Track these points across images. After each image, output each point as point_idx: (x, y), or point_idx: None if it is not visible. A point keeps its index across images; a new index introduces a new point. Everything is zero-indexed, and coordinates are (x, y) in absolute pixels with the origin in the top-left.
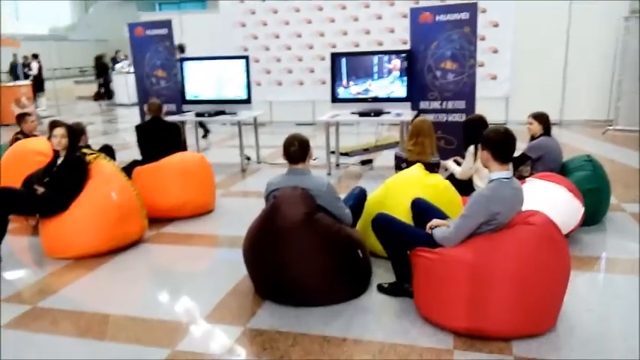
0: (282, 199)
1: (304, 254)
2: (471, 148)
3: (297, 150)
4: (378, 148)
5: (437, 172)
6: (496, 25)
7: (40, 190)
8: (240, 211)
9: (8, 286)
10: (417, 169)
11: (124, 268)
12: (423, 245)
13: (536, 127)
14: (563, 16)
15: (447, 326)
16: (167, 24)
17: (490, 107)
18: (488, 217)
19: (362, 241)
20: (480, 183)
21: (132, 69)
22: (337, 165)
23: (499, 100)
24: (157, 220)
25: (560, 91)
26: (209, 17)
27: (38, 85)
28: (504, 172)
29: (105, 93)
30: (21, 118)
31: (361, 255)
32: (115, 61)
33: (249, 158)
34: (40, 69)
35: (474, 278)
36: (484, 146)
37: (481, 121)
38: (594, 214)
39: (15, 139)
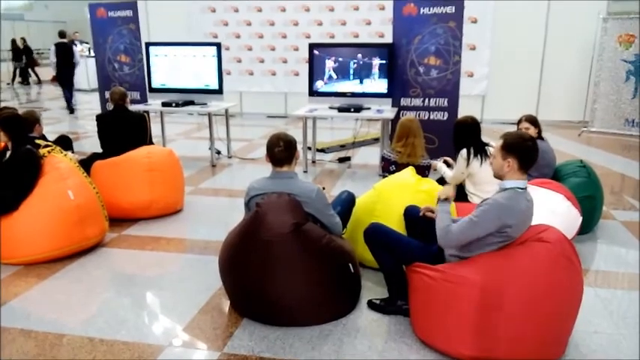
0: (267, 207)
1: (291, 269)
2: (463, 151)
3: (282, 151)
4: (356, 144)
5: (428, 174)
6: (475, 22)
7: None
8: (211, 211)
9: None
10: (409, 173)
11: (81, 276)
12: (421, 259)
13: (533, 132)
14: (542, 15)
15: (449, 352)
16: (132, 5)
17: (466, 105)
18: (499, 228)
19: (353, 253)
20: (472, 189)
21: (92, 53)
22: (313, 162)
23: (475, 98)
24: (119, 220)
25: (537, 90)
26: (177, 1)
27: None
28: (520, 181)
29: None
30: None
31: (352, 269)
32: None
33: (219, 152)
34: None
35: (482, 301)
36: (509, 153)
37: (474, 123)
38: (587, 223)
39: None
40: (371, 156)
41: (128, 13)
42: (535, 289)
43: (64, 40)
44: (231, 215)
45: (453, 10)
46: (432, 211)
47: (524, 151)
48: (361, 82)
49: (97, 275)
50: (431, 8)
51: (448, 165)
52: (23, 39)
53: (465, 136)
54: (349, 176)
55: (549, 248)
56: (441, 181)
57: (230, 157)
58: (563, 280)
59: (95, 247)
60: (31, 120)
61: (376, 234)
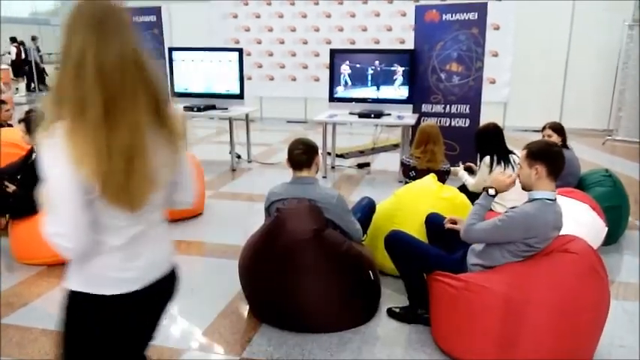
0: (287, 213)
1: (310, 275)
2: (487, 158)
3: (301, 154)
4: (375, 150)
5: (446, 179)
6: (497, 28)
7: (12, 187)
8: (230, 215)
9: None
10: (431, 180)
11: None
12: (443, 268)
13: (556, 139)
14: (566, 21)
15: None
16: (156, 11)
17: (487, 112)
18: (523, 238)
19: (373, 260)
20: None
21: None
22: (333, 167)
23: (497, 105)
24: None
25: (560, 98)
26: (199, 7)
27: (18, 70)
28: (549, 192)
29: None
30: None
31: (372, 277)
32: None
33: (239, 156)
34: (19, 54)
35: (506, 311)
36: (536, 160)
37: (497, 130)
38: (613, 234)
39: None
40: (390, 162)
41: (152, 18)
42: (560, 301)
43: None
44: (250, 219)
45: (476, 17)
46: (456, 222)
47: (552, 156)
48: (378, 88)
49: None
50: (453, 14)
51: (471, 171)
52: (13, 38)
53: (487, 143)
54: (368, 182)
55: (575, 259)
56: (462, 188)
57: (250, 162)
58: (589, 293)
59: None
60: None
61: (397, 241)
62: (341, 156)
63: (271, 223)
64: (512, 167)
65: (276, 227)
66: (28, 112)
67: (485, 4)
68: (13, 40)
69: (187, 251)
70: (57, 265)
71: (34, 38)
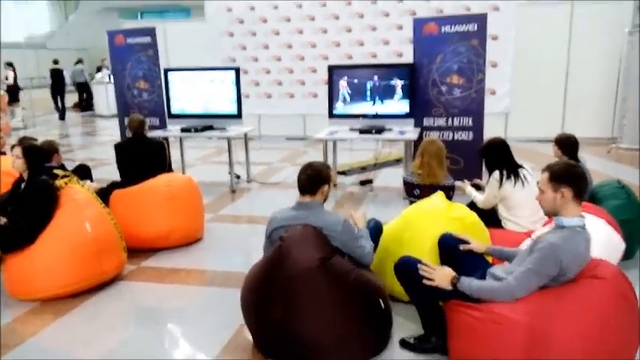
0: (291, 241)
1: (317, 306)
2: (496, 173)
3: (306, 179)
4: (377, 166)
5: (452, 195)
6: (495, 38)
7: (2, 220)
8: (231, 239)
9: None
10: (439, 198)
11: (99, 312)
12: (459, 294)
13: (556, 152)
14: (565, 29)
15: None
16: (150, 32)
17: (489, 124)
18: (558, 273)
19: (383, 287)
20: (505, 214)
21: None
22: (334, 185)
23: (498, 116)
24: (138, 251)
25: (562, 107)
26: (195, 26)
27: (12, 95)
28: (579, 218)
29: None
30: None
31: (383, 305)
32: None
33: (238, 177)
34: (15, 78)
35: (531, 343)
36: (561, 184)
37: (504, 144)
38: (629, 248)
39: None
40: (393, 178)
41: (147, 39)
42: (587, 330)
43: (57, 67)
44: (252, 243)
45: (476, 28)
46: (468, 242)
47: (575, 177)
48: (379, 102)
49: (115, 311)
50: (453, 26)
51: (478, 188)
52: (10, 63)
53: (495, 157)
54: (371, 200)
55: (604, 286)
56: (472, 205)
57: (249, 182)
58: (619, 320)
59: (113, 280)
60: (50, 150)
61: (408, 268)
62: (342, 173)
63: (274, 253)
64: (522, 182)
65: (279, 257)
66: (23, 138)
67: (485, 15)
68: (9, 64)
69: (187, 280)
70: (51, 301)
71: (80, 61)
